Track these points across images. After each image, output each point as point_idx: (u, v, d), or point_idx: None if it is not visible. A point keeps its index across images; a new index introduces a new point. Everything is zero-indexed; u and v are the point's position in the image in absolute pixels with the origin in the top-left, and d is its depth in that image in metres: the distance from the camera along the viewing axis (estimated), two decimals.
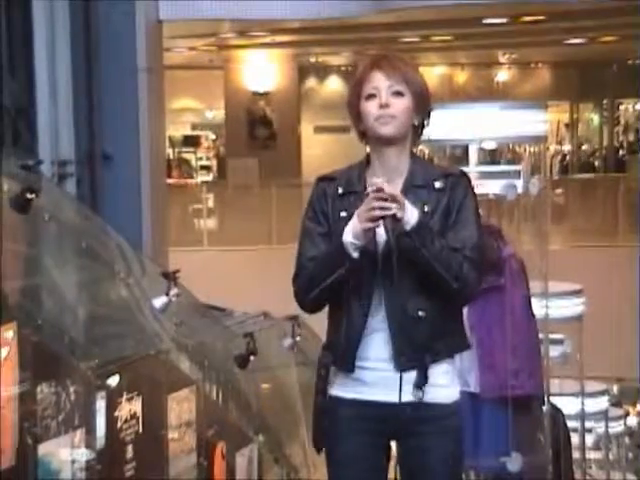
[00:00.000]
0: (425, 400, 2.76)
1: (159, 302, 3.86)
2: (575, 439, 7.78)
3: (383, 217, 2.67)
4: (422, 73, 2.95)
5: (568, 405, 7.66)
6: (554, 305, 7.08)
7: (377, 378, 2.77)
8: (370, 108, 2.81)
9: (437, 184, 2.79)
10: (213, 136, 20.38)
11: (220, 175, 18.46)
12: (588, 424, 9.08)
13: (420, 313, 2.75)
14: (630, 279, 12.68)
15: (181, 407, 3.91)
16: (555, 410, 6.21)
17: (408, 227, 2.69)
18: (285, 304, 6.40)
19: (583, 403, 8.13)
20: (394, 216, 2.67)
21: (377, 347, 2.76)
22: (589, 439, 10.13)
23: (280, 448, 5.42)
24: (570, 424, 7.09)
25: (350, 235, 2.72)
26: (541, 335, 5.70)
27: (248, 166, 16.10)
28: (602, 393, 10.06)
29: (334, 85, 18.21)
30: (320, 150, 17.90)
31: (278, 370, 5.57)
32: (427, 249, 2.69)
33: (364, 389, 2.78)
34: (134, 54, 6.43)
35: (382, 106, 2.79)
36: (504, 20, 11.23)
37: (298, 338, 5.48)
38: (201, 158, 20.16)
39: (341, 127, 17.96)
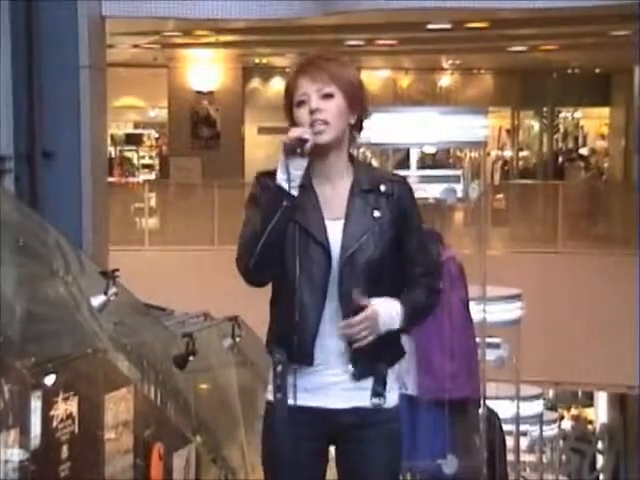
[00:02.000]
0: (364, 405, 2.76)
1: (97, 301, 3.83)
2: (510, 442, 7.88)
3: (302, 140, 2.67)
4: (354, 67, 2.88)
5: (504, 408, 7.76)
6: (492, 309, 7.15)
7: (317, 383, 2.75)
8: (302, 115, 2.76)
9: (382, 187, 2.77)
10: (156, 135, 20.26)
11: (162, 174, 18.35)
12: (523, 427, 9.20)
13: None
14: (568, 285, 12.86)
15: (118, 407, 3.89)
16: (491, 413, 6.28)
17: (399, 321, 2.73)
18: (226, 305, 6.40)
19: (518, 407, 8.24)
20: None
21: (323, 351, 2.74)
22: (524, 442, 10.26)
23: (218, 449, 5.41)
24: (505, 427, 7.17)
25: (279, 172, 2.70)
26: (478, 339, 5.76)
27: (191, 165, 16.04)
28: (537, 397, 10.20)
29: (278, 86, 18.19)
30: (263, 151, 17.88)
31: (217, 371, 5.56)
32: (415, 324, 2.82)
33: (305, 395, 2.75)
34: (76, 51, 6.37)
35: (312, 111, 2.74)
36: (448, 26, 11.32)
37: (238, 339, 5.47)
38: (143, 157, 20.02)
39: (285, 129, 17.91)
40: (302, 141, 2.69)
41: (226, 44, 14.21)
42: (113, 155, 18.77)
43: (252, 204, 2.81)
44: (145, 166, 19.83)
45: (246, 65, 17.02)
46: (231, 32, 12.43)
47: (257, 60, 16.92)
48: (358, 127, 2.83)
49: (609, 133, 19.02)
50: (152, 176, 19.16)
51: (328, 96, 2.76)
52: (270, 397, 2.79)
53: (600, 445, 16.18)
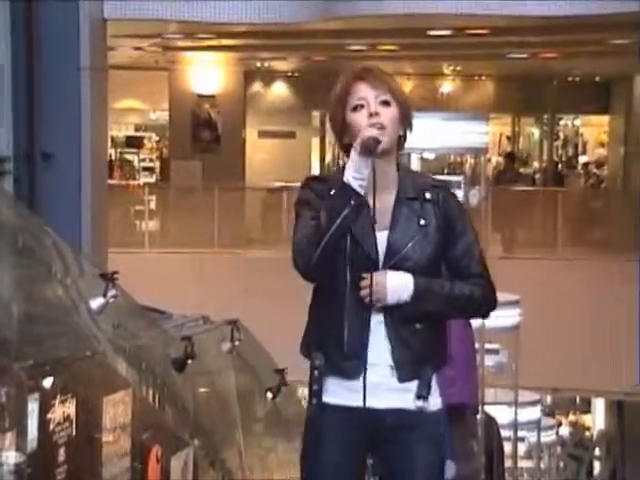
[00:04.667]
0: (407, 407, 2.77)
1: (96, 303, 3.83)
2: (508, 448, 7.89)
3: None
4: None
5: (502, 414, 7.77)
6: (491, 315, 7.14)
7: (368, 385, 2.74)
8: (359, 118, 2.77)
9: (427, 195, 2.80)
10: (156, 138, 20.26)
11: (163, 177, 18.36)
12: (521, 433, 9.22)
13: (418, 325, 2.76)
14: (567, 291, 12.86)
15: (116, 410, 3.88)
16: (489, 419, 6.28)
17: (407, 297, 2.73)
18: (225, 308, 6.40)
19: (516, 412, 8.24)
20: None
21: (373, 354, 2.75)
22: (522, 448, 10.28)
23: (216, 452, 5.41)
24: (503, 433, 7.18)
25: (351, 171, 2.71)
26: (477, 344, 5.76)
27: (191, 169, 16.03)
28: (535, 403, 10.21)
29: (279, 90, 18.23)
30: (264, 155, 17.89)
31: (216, 374, 5.56)
32: (432, 304, 2.76)
33: (350, 395, 2.77)
34: (77, 52, 6.38)
35: (372, 115, 2.76)
36: (448, 32, 11.32)
37: (237, 342, 5.47)
38: (144, 159, 20.02)
39: (285, 132, 17.99)
40: (376, 141, 2.71)
41: (228, 47, 14.21)
42: (113, 157, 18.77)
43: (305, 206, 2.82)
44: (145, 169, 19.83)
45: (248, 69, 17.02)
46: (233, 36, 12.43)
47: (259, 64, 16.92)
48: (403, 139, 2.86)
49: (609, 141, 19.03)
50: (152, 179, 19.16)
51: (386, 103, 2.79)
52: (313, 400, 2.81)
53: (597, 451, 16.18)
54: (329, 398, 2.80)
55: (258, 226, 15.41)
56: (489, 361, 7.08)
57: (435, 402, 2.83)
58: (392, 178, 2.82)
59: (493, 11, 8.21)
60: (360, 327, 2.76)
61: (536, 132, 20.10)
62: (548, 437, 12.20)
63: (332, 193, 2.75)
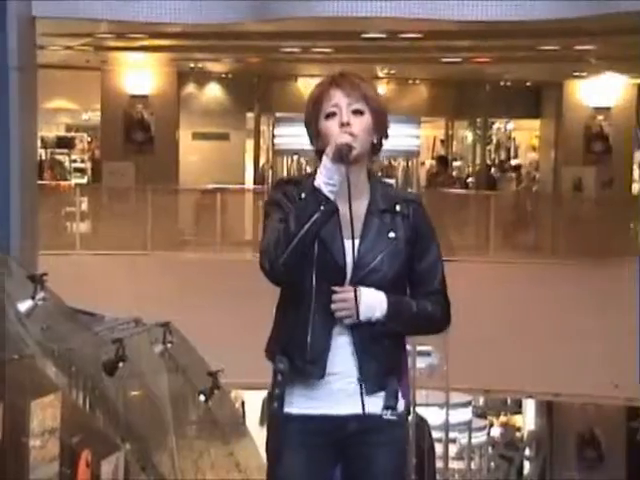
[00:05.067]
0: (371, 411, 2.79)
1: (25, 306, 3.78)
2: (439, 449, 7.95)
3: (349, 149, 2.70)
4: (376, 88, 2.96)
5: (433, 415, 7.83)
6: None
7: (325, 392, 2.78)
8: (331, 127, 2.79)
9: (398, 207, 2.82)
10: (88, 138, 20.06)
11: (95, 178, 18.17)
12: (452, 434, 9.30)
13: (386, 342, 2.81)
14: (498, 293, 13.00)
15: (45, 414, 3.83)
16: (421, 420, 6.33)
17: (380, 315, 2.76)
18: (158, 310, 6.35)
19: (448, 414, 8.31)
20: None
21: (337, 360, 2.78)
22: (453, 449, 10.36)
23: (148, 456, 5.36)
24: (435, 434, 7.24)
25: (322, 177, 2.71)
26: (409, 346, 5.80)
27: (124, 170, 15.89)
28: (466, 404, 10.30)
29: (213, 92, 18.15)
30: (198, 156, 17.80)
31: (148, 377, 5.52)
32: (401, 324, 2.81)
33: (312, 403, 2.80)
34: (5, 51, 6.28)
35: (343, 124, 2.77)
36: (383, 35, 11.38)
37: (169, 345, 5.44)
38: (75, 160, 19.81)
39: (219, 134, 17.92)
40: (349, 148, 2.71)
41: (161, 48, 14.11)
42: (44, 158, 18.53)
43: (275, 208, 2.82)
44: (77, 170, 19.62)
45: (181, 70, 16.92)
46: (166, 36, 12.35)
47: (192, 65, 16.83)
48: (377, 148, 2.87)
49: (540, 145, 19.30)
50: (84, 180, 18.96)
51: (359, 112, 2.80)
52: (275, 404, 2.82)
53: (528, 452, 16.39)
54: (292, 409, 2.81)
55: (192, 228, 15.34)
56: (421, 363, 7.12)
57: (399, 404, 2.87)
58: (363, 186, 2.83)
59: (427, 15, 8.26)
60: (324, 333, 2.77)
61: (469, 136, 20.31)
62: (479, 438, 12.33)
63: (302, 197, 2.76)
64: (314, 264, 2.76)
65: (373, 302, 2.76)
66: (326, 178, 2.70)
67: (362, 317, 2.75)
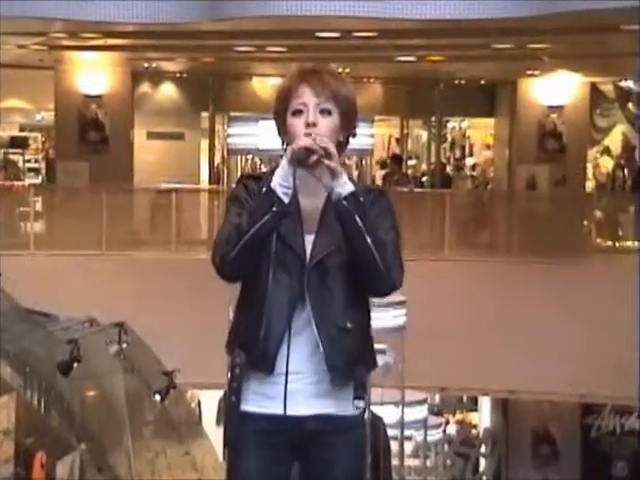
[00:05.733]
0: (329, 412, 2.77)
1: None
2: (395, 446, 7.99)
3: (317, 159, 2.67)
4: (351, 86, 2.88)
5: (389, 413, 7.87)
6: (377, 315, 7.24)
7: (282, 391, 2.74)
8: (297, 125, 2.76)
9: (361, 199, 2.77)
10: (42, 138, 19.89)
11: (49, 178, 18.03)
12: (408, 432, 9.34)
13: (349, 325, 2.75)
14: (453, 291, 13.09)
15: None
16: (376, 418, 6.35)
17: (344, 192, 2.69)
18: (113, 310, 6.33)
19: (403, 412, 8.35)
20: (329, 168, 2.67)
21: (290, 359, 2.74)
22: (408, 447, 10.41)
23: (104, 457, 5.35)
24: (390, 432, 7.27)
25: (279, 178, 2.70)
26: None
27: (78, 170, 15.78)
28: (422, 402, 10.35)
29: (168, 91, 18.08)
30: (153, 156, 17.73)
31: (103, 377, 5.50)
32: (361, 220, 2.70)
33: (269, 403, 2.77)
34: None
35: (309, 125, 2.75)
36: (336, 34, 11.41)
37: (124, 345, 5.43)
38: (29, 160, 19.64)
39: (174, 134, 17.86)
40: (309, 152, 2.68)
41: (115, 47, 14.03)
42: None
43: (235, 203, 2.80)
44: (31, 170, 19.45)
45: (135, 69, 16.84)
46: (120, 35, 12.29)
47: (146, 64, 16.75)
48: (344, 144, 2.85)
49: (494, 143, 19.43)
50: (38, 180, 18.81)
51: (326, 112, 2.78)
52: (232, 398, 2.78)
53: (483, 449, 16.50)
54: (248, 406, 2.79)
55: (147, 227, 15.27)
56: None
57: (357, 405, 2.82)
58: (325, 182, 2.78)
59: (381, 14, 8.31)
60: (279, 327, 2.75)
61: (424, 134, 20.40)
62: (435, 435, 12.39)
63: (259, 194, 2.75)
64: (271, 259, 2.74)
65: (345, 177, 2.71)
66: (281, 180, 2.70)
67: (341, 178, 2.69)
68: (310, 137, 2.71)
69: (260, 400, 2.78)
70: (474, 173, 20.17)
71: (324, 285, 2.75)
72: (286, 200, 2.69)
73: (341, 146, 2.83)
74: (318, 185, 2.75)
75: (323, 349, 2.73)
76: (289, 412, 2.75)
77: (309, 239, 2.78)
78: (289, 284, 2.75)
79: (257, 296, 2.77)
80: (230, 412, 2.81)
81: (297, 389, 2.76)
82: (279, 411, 2.75)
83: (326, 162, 2.69)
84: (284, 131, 2.81)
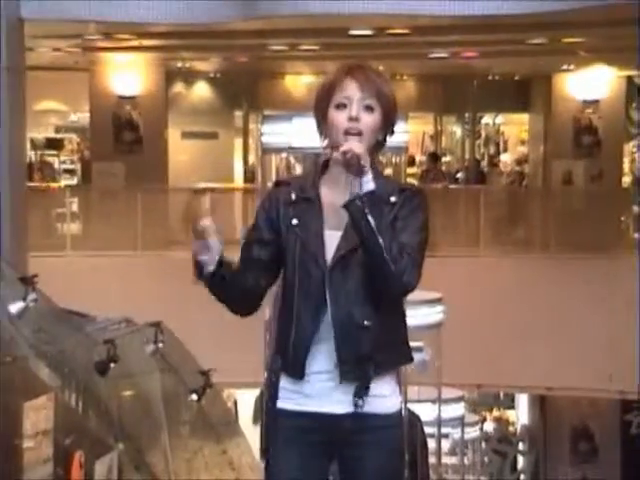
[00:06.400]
0: (365, 410, 2.76)
1: (16, 307, 3.78)
2: (432, 444, 7.97)
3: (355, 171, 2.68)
4: (391, 83, 2.89)
5: (426, 411, 7.84)
6: (413, 313, 7.22)
7: (318, 389, 2.76)
8: (339, 118, 2.75)
9: (392, 198, 2.77)
10: (77, 139, 20.02)
11: (84, 179, 18.14)
12: (445, 430, 9.31)
13: (366, 322, 2.74)
14: (489, 288, 13.03)
15: (38, 415, 3.83)
16: (413, 416, 6.33)
17: (362, 190, 2.67)
18: (149, 310, 6.35)
19: (440, 409, 8.32)
20: (359, 165, 2.66)
21: (322, 358, 2.76)
22: (446, 444, 10.37)
23: (141, 456, 5.36)
24: (427, 430, 7.25)
25: (196, 255, 2.90)
26: None
27: (114, 170, 15.87)
28: (459, 399, 10.31)
29: (202, 91, 18.14)
30: (187, 156, 17.79)
31: (140, 377, 5.51)
32: (374, 219, 2.66)
33: (306, 401, 2.78)
34: None
35: (352, 119, 2.74)
36: (369, 32, 11.39)
37: (161, 344, 5.44)
38: (65, 161, 19.77)
39: (208, 133, 17.91)
40: (358, 159, 2.68)
41: (149, 48, 14.10)
42: (33, 160, 18.49)
43: (256, 218, 2.91)
44: (66, 171, 19.58)
45: (169, 69, 16.90)
46: (154, 36, 12.34)
47: (180, 64, 16.81)
48: (381, 145, 2.85)
49: (529, 139, 19.31)
50: (74, 181, 18.93)
51: (369, 108, 2.77)
52: (269, 404, 2.82)
53: (521, 446, 16.41)
54: (286, 404, 2.81)
55: (182, 227, 15.31)
56: None
57: (392, 403, 2.83)
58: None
59: (414, 11, 8.27)
60: (306, 332, 2.76)
61: (458, 131, 20.32)
62: (472, 433, 12.34)
63: (292, 199, 2.79)
64: (296, 265, 2.77)
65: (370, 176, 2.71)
66: (200, 255, 2.96)
67: (365, 177, 2.67)
68: (347, 145, 2.69)
69: (297, 398, 2.80)
70: (518, 168, 19.95)
71: (344, 282, 2.74)
72: (211, 268, 2.82)
73: (379, 145, 2.83)
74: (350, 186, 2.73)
75: (335, 345, 2.73)
76: (325, 410, 2.77)
77: (337, 235, 2.77)
78: (312, 286, 2.76)
79: (287, 303, 2.80)
80: (266, 414, 2.84)
81: (331, 386, 2.76)
82: (316, 409, 2.77)
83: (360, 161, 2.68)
84: (324, 123, 2.80)
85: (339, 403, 2.77)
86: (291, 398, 2.80)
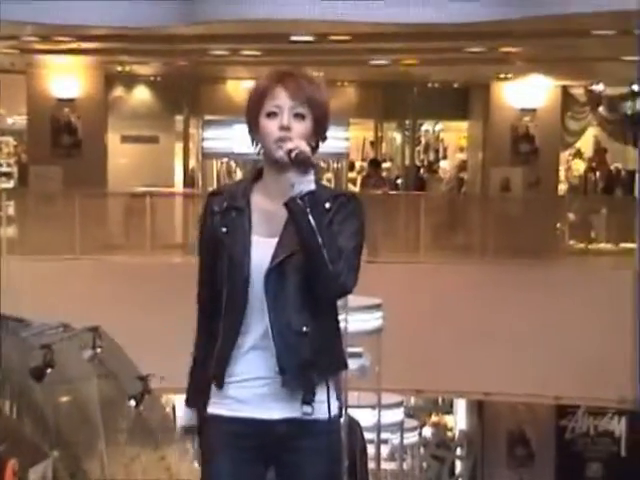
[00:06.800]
0: (300, 416, 2.76)
1: None
2: (371, 450, 7.99)
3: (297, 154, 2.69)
4: (326, 90, 2.88)
5: (365, 416, 7.86)
6: (353, 319, 7.24)
7: (253, 395, 2.77)
8: (270, 127, 2.76)
9: (327, 204, 2.76)
10: (14, 142, 19.77)
11: (22, 183, 17.92)
12: (384, 435, 9.34)
13: (304, 328, 2.74)
14: (429, 294, 13.11)
15: None
16: (352, 421, 6.35)
17: (305, 189, 2.67)
18: (87, 315, 6.29)
19: (380, 415, 8.35)
20: (304, 163, 2.68)
21: (256, 364, 2.77)
22: (385, 450, 10.42)
23: (77, 463, 5.31)
24: (367, 435, 7.27)
25: (182, 421, 2.90)
26: None
27: (51, 174, 15.69)
28: (398, 405, 10.36)
29: (142, 95, 18.02)
30: (127, 160, 17.66)
31: (77, 383, 5.46)
32: (314, 219, 2.66)
33: (240, 406, 2.78)
34: None
35: (283, 128, 2.74)
36: (310, 38, 11.41)
37: (99, 350, 5.39)
38: (1, 165, 19.53)
39: (149, 137, 17.79)
40: (307, 156, 2.71)
41: (88, 51, 13.97)
42: None
43: (199, 230, 2.87)
44: (3, 174, 19.34)
45: (109, 72, 16.77)
46: (93, 39, 12.23)
47: (120, 68, 16.68)
48: (315, 149, 2.84)
49: (467, 146, 19.49)
50: (10, 184, 18.68)
51: (300, 116, 2.77)
52: (209, 410, 2.83)
53: (459, 451, 16.53)
54: (220, 410, 2.81)
55: (121, 231, 15.20)
56: (352, 364, 7.13)
57: (331, 409, 2.82)
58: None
59: (354, 17, 8.31)
60: (229, 339, 2.78)
61: (398, 137, 20.43)
62: (411, 438, 12.40)
63: (224, 207, 2.79)
64: (224, 277, 2.79)
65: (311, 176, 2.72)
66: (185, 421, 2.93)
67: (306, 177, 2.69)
68: (290, 142, 2.71)
69: (231, 403, 2.80)
70: (458, 174, 20.08)
71: (282, 288, 2.75)
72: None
73: (312, 150, 2.82)
74: (288, 189, 2.72)
75: (276, 352, 2.73)
76: (259, 415, 2.77)
77: (271, 242, 2.77)
78: (236, 295, 2.77)
79: (216, 309, 2.82)
80: (203, 427, 2.87)
81: (266, 393, 2.76)
82: (249, 414, 2.77)
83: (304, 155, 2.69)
84: (256, 131, 2.81)
85: (275, 409, 2.77)
86: (224, 403, 2.80)
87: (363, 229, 2.83)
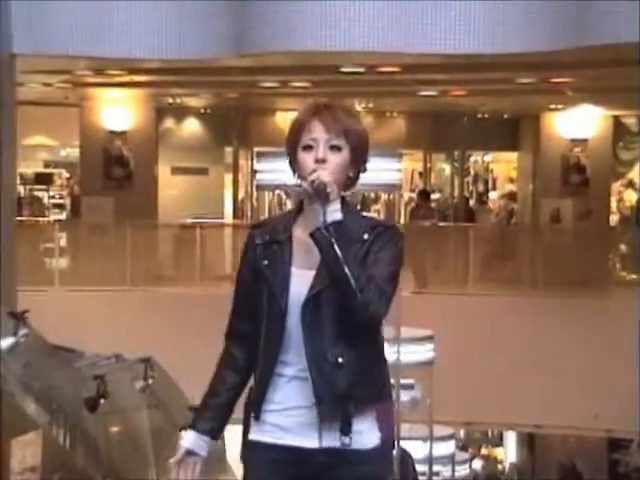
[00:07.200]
0: (339, 445, 2.76)
1: (6, 343, 3.76)
2: None
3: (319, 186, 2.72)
4: (361, 122, 2.90)
5: (417, 449, 7.81)
6: (405, 350, 7.20)
7: (294, 424, 2.78)
8: (307, 160, 2.78)
9: (365, 236, 2.79)
10: (67, 174, 20.02)
11: (74, 214, 18.12)
12: (436, 467, 9.27)
13: (340, 360, 2.75)
14: (478, 326, 13.02)
15: (25, 452, 3.81)
16: (404, 453, 6.30)
17: (329, 219, 2.69)
18: (138, 346, 6.32)
19: (431, 447, 8.28)
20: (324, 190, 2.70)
21: (295, 393, 2.78)
22: None
23: None
24: (419, 467, 7.22)
25: (187, 444, 2.97)
26: (392, 380, 5.79)
27: (103, 205, 15.87)
28: (449, 437, 10.27)
29: (192, 127, 18.19)
30: (177, 191, 17.81)
31: (129, 413, 5.49)
32: (341, 249, 2.68)
33: (282, 434, 2.80)
34: None
35: (318, 161, 2.76)
36: (360, 69, 11.45)
37: (150, 380, 5.42)
38: (54, 196, 19.76)
39: (198, 169, 17.94)
40: (324, 186, 2.73)
41: (139, 84, 14.14)
42: (22, 194, 18.46)
43: (240, 263, 2.91)
44: (56, 205, 19.56)
45: (159, 105, 16.95)
46: (144, 72, 12.38)
47: (171, 100, 16.87)
48: (353, 181, 2.86)
49: (517, 177, 19.39)
50: (63, 216, 18.90)
51: (336, 148, 2.79)
52: (251, 436, 2.86)
53: None
54: (260, 436, 2.83)
55: (171, 263, 15.29)
56: (404, 396, 7.11)
57: (369, 439, 2.82)
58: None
59: (404, 49, 8.31)
60: (266, 371, 2.82)
61: (447, 168, 20.38)
62: (462, 471, 12.31)
63: (266, 240, 2.82)
64: (264, 302, 2.82)
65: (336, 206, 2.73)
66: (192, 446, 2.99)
67: (331, 206, 2.70)
68: (315, 174, 2.73)
69: (274, 431, 2.81)
70: (507, 205, 19.94)
71: (318, 319, 2.76)
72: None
73: (351, 181, 2.85)
74: (319, 220, 2.74)
75: (312, 383, 2.74)
76: (299, 444, 2.78)
77: (309, 274, 2.78)
78: (274, 327, 2.79)
79: (258, 341, 2.85)
80: (243, 454, 2.90)
81: (306, 422, 2.77)
82: (290, 442, 2.79)
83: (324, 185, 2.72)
84: (295, 164, 2.84)
85: (315, 438, 2.78)
86: (265, 431, 2.82)
87: (400, 257, 2.84)
